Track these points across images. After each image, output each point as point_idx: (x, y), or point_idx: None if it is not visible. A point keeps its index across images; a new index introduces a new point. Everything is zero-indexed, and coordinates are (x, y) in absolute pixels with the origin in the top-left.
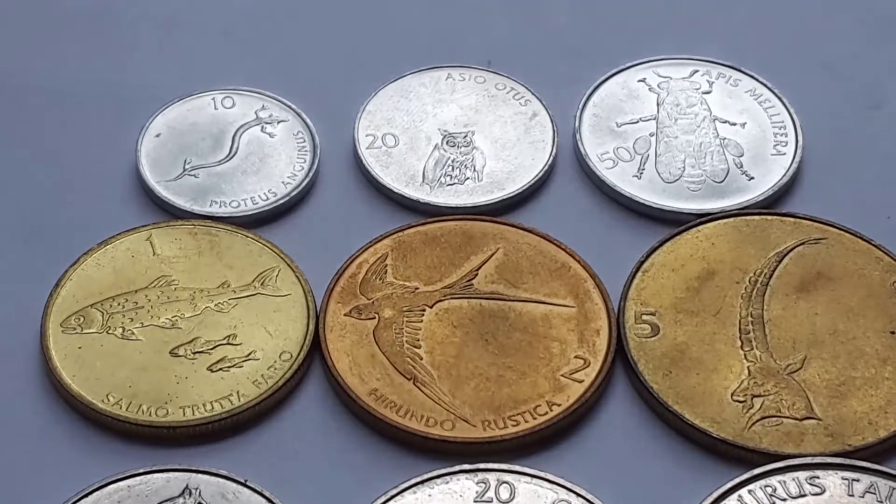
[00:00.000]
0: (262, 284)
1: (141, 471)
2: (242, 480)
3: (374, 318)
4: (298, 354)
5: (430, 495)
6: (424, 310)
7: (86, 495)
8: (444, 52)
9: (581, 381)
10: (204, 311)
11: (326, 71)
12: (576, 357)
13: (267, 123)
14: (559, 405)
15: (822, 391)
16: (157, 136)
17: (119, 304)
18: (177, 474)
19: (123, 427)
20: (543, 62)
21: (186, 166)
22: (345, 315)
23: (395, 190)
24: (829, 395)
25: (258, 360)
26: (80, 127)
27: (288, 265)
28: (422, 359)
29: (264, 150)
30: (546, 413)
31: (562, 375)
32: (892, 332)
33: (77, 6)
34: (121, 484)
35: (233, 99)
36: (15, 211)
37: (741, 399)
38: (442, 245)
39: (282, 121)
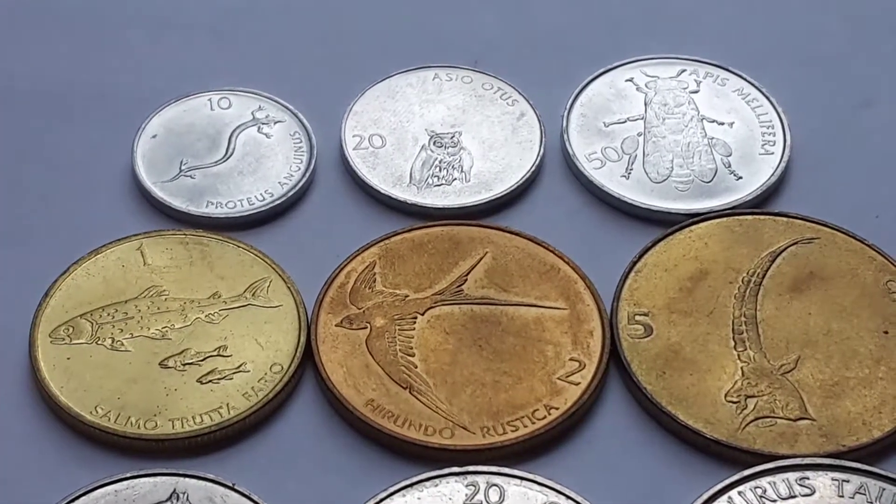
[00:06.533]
0: (253, 295)
1: (128, 475)
2: (230, 484)
3: (365, 327)
4: (289, 366)
5: (419, 498)
6: (416, 317)
7: (72, 500)
8: (431, 52)
9: (577, 384)
10: (194, 322)
11: (313, 71)
12: (570, 359)
13: (263, 124)
14: (557, 409)
15: (816, 391)
16: (154, 137)
17: (109, 315)
18: (164, 478)
19: (112, 439)
20: (531, 62)
21: (183, 167)
22: (336, 325)
23: (383, 191)
24: (823, 395)
25: (249, 371)
26: (76, 129)
27: (279, 275)
28: (416, 367)
29: (261, 150)
30: (545, 417)
31: (558, 378)
32: (886, 332)
33: (71, 7)
34: (108, 489)
35: (229, 99)
36: (6, 216)
37: (735, 400)
38: (429, 251)
39: (278, 121)
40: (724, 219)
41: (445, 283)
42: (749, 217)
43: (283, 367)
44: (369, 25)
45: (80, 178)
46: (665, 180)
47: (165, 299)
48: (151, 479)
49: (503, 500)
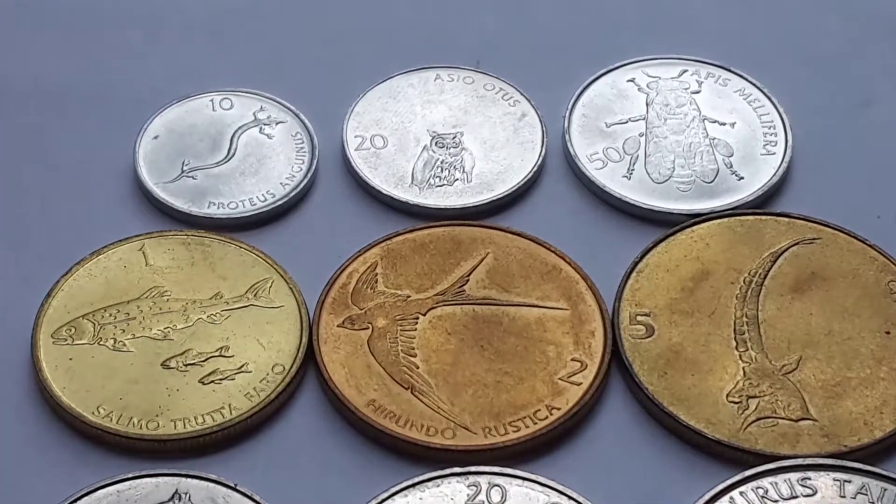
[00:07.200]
0: (255, 296)
1: (130, 476)
2: (232, 485)
3: (367, 328)
4: (291, 367)
5: (420, 499)
6: (418, 318)
7: (74, 501)
8: (433, 53)
9: (579, 384)
10: (196, 323)
11: (315, 72)
12: (572, 360)
13: (265, 125)
14: (559, 409)
15: (818, 392)
16: (155, 137)
17: (111, 315)
18: (166, 479)
19: (114, 440)
20: (532, 62)
21: (184, 168)
22: (338, 326)
23: (384, 191)
24: (825, 395)
25: (250, 372)
26: (78, 130)
27: (281, 276)
28: (418, 367)
29: (262, 151)
30: (546, 417)
31: (559, 379)
32: (888, 333)
33: (73, 8)
34: (110, 489)
35: (231, 100)
36: (8, 216)
37: (736, 400)
38: (431, 252)
39: (280, 122)
40: (726, 219)
41: (447, 283)
42: (750, 217)
43: (284, 368)
44: (371, 26)
45: (82, 178)
46: (666, 181)
47: (167, 300)
48: (153, 480)
49: (505, 500)
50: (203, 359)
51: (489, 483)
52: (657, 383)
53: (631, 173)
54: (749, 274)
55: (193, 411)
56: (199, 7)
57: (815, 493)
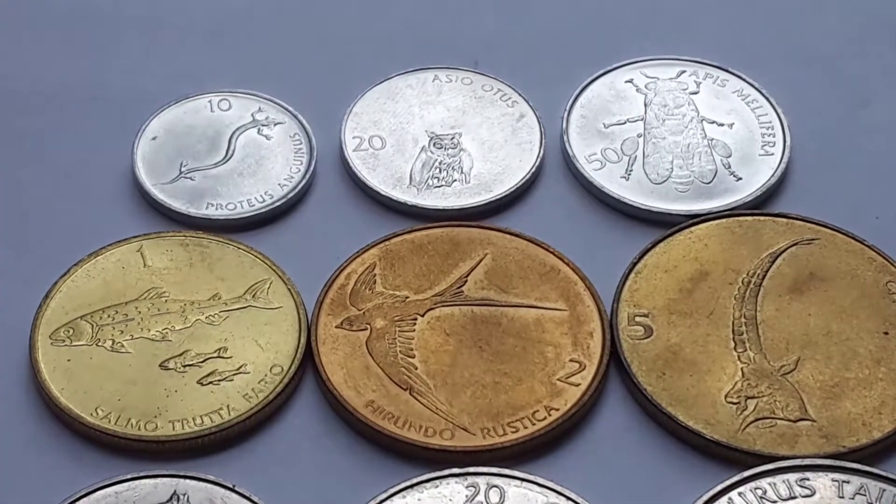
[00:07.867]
0: (253, 297)
1: (128, 477)
2: (231, 486)
3: (365, 328)
4: (290, 368)
5: (419, 500)
6: (416, 319)
7: (73, 502)
8: (431, 54)
9: (578, 385)
10: (195, 324)
11: (313, 72)
12: (571, 360)
13: (263, 125)
14: (557, 410)
15: (816, 392)
16: (154, 138)
17: (109, 317)
18: (164, 480)
19: (112, 441)
20: (530, 63)
21: (183, 169)
22: (336, 327)
23: (383, 192)
24: (823, 396)
25: (249, 373)
26: (76, 131)
27: (279, 277)
28: (416, 368)
29: (261, 152)
30: (545, 418)
31: (558, 380)
32: (886, 333)
33: (71, 9)
34: (108, 490)
35: (229, 101)
36: (7, 217)
37: (735, 401)
38: (429, 253)
39: (278, 123)
40: (724, 220)
41: (445, 284)
42: (749, 218)
43: (283, 369)
44: (369, 27)
45: (81, 179)
46: (665, 181)
47: (165, 301)
48: (152, 481)
49: (503, 501)
50: (201, 360)
51: (488, 484)
52: (656, 384)
53: (629, 174)
54: (747, 274)
55: (192, 412)
56: (197, 8)
57: (813, 493)
